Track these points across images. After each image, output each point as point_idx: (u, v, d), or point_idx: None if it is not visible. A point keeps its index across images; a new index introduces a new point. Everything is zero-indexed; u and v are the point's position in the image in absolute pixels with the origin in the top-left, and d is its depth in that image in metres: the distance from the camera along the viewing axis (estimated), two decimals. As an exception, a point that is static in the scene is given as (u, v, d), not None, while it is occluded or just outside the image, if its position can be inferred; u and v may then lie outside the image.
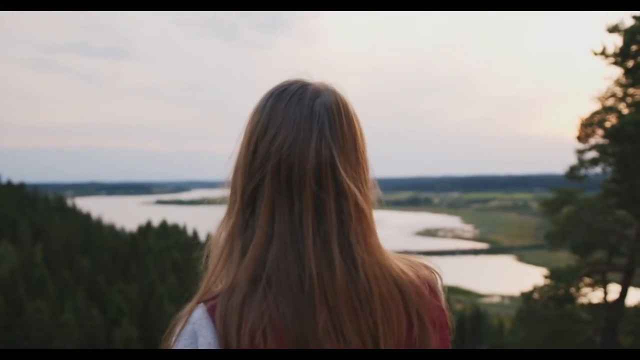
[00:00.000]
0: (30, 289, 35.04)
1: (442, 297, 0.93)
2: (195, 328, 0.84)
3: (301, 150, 0.84)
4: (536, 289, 16.53)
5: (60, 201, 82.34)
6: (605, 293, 16.30)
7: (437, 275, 0.94)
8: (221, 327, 0.81)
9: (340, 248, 0.84)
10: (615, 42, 14.66)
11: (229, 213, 0.92)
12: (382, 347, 0.84)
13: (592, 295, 16.61)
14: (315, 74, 0.94)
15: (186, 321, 0.86)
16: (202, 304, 0.86)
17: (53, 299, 36.45)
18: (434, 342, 0.88)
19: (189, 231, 65.62)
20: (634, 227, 15.22)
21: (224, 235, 0.92)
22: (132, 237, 55.66)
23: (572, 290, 16.16)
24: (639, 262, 15.32)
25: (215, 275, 0.90)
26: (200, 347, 0.82)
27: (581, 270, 15.96)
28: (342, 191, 0.85)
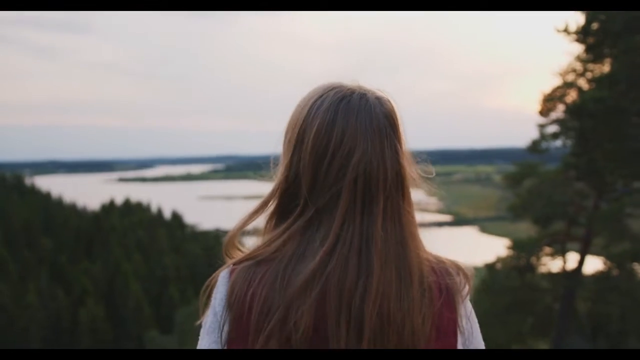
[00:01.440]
0: (-10, 271, 34.30)
1: (459, 306, 0.97)
2: (217, 284, 0.97)
3: (376, 164, 0.92)
4: (499, 259, 16.95)
5: (18, 180, 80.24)
6: (564, 262, 16.83)
7: (462, 280, 0.99)
8: (231, 289, 0.93)
9: (398, 247, 0.92)
10: (578, 20, 14.91)
11: (280, 208, 0.99)
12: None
13: (552, 265, 17.13)
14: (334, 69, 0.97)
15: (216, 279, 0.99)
16: (229, 266, 0.98)
17: (14, 280, 35.75)
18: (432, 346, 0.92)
19: (153, 209, 64.87)
20: (591, 199, 15.68)
21: (272, 224, 1.00)
22: (95, 216, 54.74)
23: (533, 260, 16.63)
24: (596, 232, 15.81)
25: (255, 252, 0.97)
26: (215, 302, 0.96)
27: (541, 241, 16.41)
28: (405, 192, 0.96)
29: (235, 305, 0.92)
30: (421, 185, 1.02)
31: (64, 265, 40.98)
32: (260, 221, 1.01)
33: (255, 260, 0.93)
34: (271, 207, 1.00)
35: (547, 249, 16.83)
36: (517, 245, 16.61)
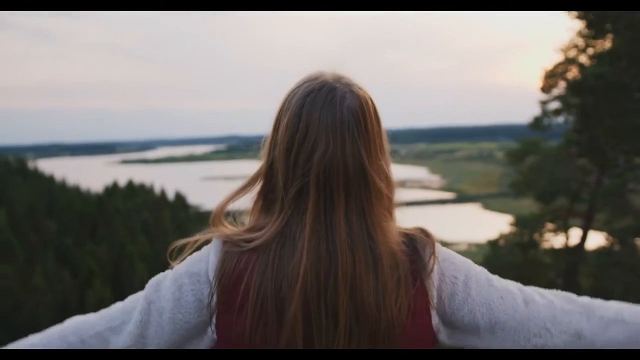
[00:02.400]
0: (-3, 254, 34.53)
1: (431, 288, 1.00)
2: (209, 252, 1.02)
3: (338, 158, 0.95)
4: (502, 236, 17.03)
5: (22, 164, 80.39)
6: (567, 238, 16.90)
7: (428, 252, 1.01)
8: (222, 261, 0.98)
9: (363, 238, 0.96)
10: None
11: (264, 200, 1.04)
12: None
13: (555, 241, 17.19)
14: (333, 62, 1.04)
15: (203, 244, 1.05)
16: (221, 238, 1.02)
17: (21, 263, 36.00)
18: (410, 327, 0.96)
19: (157, 190, 65.02)
20: (594, 175, 15.68)
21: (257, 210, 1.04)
22: (99, 198, 54.88)
23: (536, 236, 16.69)
24: (598, 208, 15.83)
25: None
26: (206, 266, 1.01)
27: (544, 217, 16.45)
28: (370, 186, 0.98)
29: (224, 284, 0.97)
30: (388, 181, 1.02)
31: (69, 248, 41.22)
32: (246, 200, 1.06)
33: (241, 248, 0.98)
34: (258, 186, 1.05)
35: (550, 225, 16.89)
36: (520, 222, 16.67)
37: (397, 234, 1.00)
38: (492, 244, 17.41)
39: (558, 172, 15.54)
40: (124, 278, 35.40)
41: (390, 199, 1.03)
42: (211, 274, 0.99)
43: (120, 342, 1.03)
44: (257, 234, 0.98)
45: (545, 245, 17.31)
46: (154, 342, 1.02)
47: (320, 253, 0.93)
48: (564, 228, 16.93)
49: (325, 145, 0.95)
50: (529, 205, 18.16)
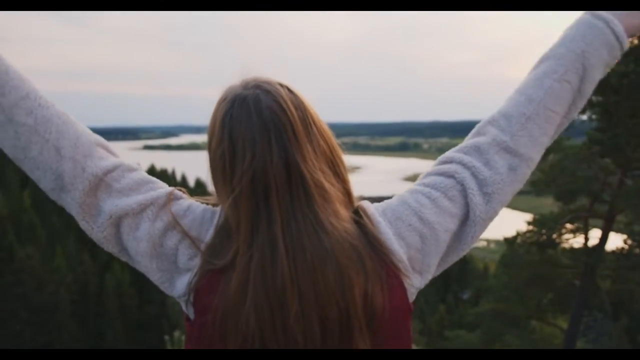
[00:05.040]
0: (20, 235, 35.14)
1: (397, 265, 0.97)
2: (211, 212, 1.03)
3: (266, 163, 0.92)
4: (519, 234, 16.87)
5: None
6: (586, 239, 16.67)
7: (368, 213, 1.00)
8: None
9: (312, 238, 0.92)
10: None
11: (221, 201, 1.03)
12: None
13: (574, 241, 16.99)
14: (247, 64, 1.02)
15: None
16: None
17: (43, 245, 36.63)
18: (386, 302, 0.94)
19: (178, 176, 65.50)
20: (616, 175, 15.44)
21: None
22: (121, 183, 55.45)
23: (555, 236, 16.51)
24: (619, 209, 15.62)
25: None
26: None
27: (564, 217, 16.26)
28: (308, 183, 0.94)
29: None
30: (334, 170, 0.98)
31: (90, 231, 41.86)
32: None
33: (211, 266, 0.95)
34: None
35: (569, 225, 16.69)
36: (538, 222, 16.50)
37: (349, 222, 0.96)
38: (509, 242, 17.27)
39: (579, 171, 15.33)
40: (143, 263, 35.86)
41: (339, 189, 0.99)
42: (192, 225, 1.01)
43: (79, 187, 0.99)
44: (221, 257, 0.96)
45: (564, 245, 17.13)
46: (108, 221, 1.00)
47: (265, 264, 0.90)
48: (584, 229, 16.72)
49: (251, 154, 0.93)
50: (551, 203, 17.91)
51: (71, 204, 1.01)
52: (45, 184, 1.03)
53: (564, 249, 17.04)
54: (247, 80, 1.00)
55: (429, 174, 1.06)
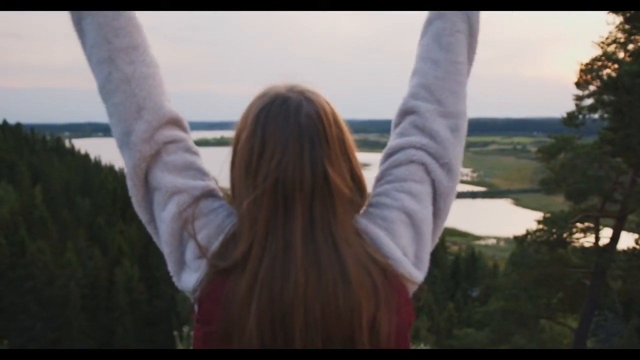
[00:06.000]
0: (32, 230, 35.44)
1: (407, 286, 0.97)
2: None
3: (295, 168, 0.91)
4: (529, 233, 16.78)
5: (58, 142, 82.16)
6: (597, 238, 16.57)
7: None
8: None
9: (330, 254, 0.90)
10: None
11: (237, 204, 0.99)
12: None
13: (584, 240, 16.89)
14: (292, 73, 1.01)
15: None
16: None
17: (54, 239, 36.90)
18: (392, 323, 0.92)
19: (188, 173, 65.65)
20: (628, 175, 15.33)
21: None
22: (131, 178, 55.69)
23: (565, 235, 16.42)
24: (631, 209, 15.51)
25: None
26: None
27: (574, 216, 16.16)
28: (334, 194, 0.93)
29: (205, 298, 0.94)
30: (357, 184, 0.98)
31: (101, 226, 42.12)
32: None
33: (216, 268, 0.94)
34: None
35: (580, 225, 16.59)
36: (548, 220, 16.40)
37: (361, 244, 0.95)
38: (519, 240, 17.17)
39: (591, 170, 15.23)
40: (152, 258, 36.01)
41: (359, 204, 1.00)
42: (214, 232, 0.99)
43: (139, 135, 1.00)
44: (227, 259, 0.94)
45: (575, 244, 17.04)
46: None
47: (274, 274, 0.89)
48: (595, 228, 16.62)
49: (281, 155, 0.92)
50: (562, 202, 17.82)
51: (127, 161, 1.03)
52: (115, 133, 1.05)
53: (575, 248, 16.96)
54: (293, 85, 1.00)
55: (387, 171, 1.07)
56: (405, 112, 1.10)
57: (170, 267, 1.01)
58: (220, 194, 1.04)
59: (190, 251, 0.98)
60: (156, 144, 1.01)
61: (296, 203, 0.91)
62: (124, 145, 1.03)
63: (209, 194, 1.02)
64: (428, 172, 1.04)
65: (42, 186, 48.64)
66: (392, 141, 1.09)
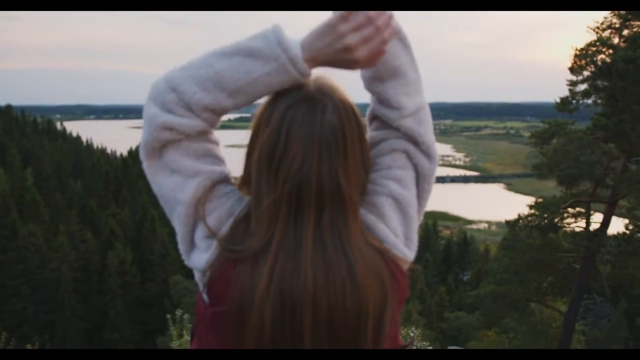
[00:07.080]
0: (23, 213, 35.31)
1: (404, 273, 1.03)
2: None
3: (313, 175, 0.95)
4: (521, 217, 16.88)
5: (50, 125, 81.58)
6: (588, 223, 16.69)
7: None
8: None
9: (338, 256, 0.95)
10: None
11: (256, 202, 1.01)
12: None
13: (575, 225, 17.01)
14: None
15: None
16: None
17: (46, 222, 36.80)
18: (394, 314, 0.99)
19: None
20: (620, 160, 15.41)
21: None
22: (123, 161, 55.66)
23: (556, 220, 16.53)
24: (622, 194, 15.62)
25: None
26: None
27: (566, 201, 16.26)
28: (346, 204, 0.97)
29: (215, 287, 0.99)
30: (358, 204, 1.01)
31: (93, 209, 42.03)
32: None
33: (227, 255, 0.98)
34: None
35: (571, 210, 16.70)
36: (540, 205, 16.50)
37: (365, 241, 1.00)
38: (511, 225, 17.28)
39: (583, 155, 15.29)
40: (144, 241, 36.01)
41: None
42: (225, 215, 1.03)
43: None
44: (243, 244, 0.99)
45: (566, 229, 17.16)
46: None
47: (285, 271, 0.93)
48: (586, 213, 16.74)
49: (301, 161, 0.95)
50: (554, 186, 17.92)
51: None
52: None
53: (566, 233, 17.08)
54: (322, 83, 1.01)
55: (372, 160, 1.10)
56: (373, 118, 1.13)
57: (181, 247, 1.05)
58: (232, 180, 1.09)
59: (200, 230, 1.03)
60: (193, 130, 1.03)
61: (310, 209, 0.96)
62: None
63: (224, 179, 1.06)
64: (410, 157, 1.09)
65: (33, 169, 48.39)
66: (371, 133, 1.13)
